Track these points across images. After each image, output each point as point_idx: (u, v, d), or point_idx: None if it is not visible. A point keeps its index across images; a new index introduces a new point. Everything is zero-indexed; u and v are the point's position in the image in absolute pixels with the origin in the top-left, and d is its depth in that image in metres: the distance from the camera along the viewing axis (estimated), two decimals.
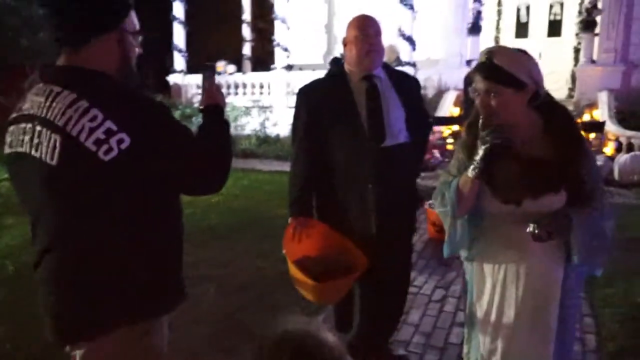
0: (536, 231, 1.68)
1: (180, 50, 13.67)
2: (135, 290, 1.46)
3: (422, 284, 3.92)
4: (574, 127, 1.85)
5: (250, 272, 4.12)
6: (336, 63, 2.64)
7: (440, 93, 10.38)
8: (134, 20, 1.54)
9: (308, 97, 2.57)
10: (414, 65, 10.64)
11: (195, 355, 2.91)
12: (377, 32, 2.46)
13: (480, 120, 1.78)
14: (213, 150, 1.55)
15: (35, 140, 1.40)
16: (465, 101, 7.63)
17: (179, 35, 13.62)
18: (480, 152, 1.76)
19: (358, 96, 2.46)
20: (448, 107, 9.81)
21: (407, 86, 2.60)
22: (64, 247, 1.45)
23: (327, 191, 2.50)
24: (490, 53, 1.73)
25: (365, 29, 2.42)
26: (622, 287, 3.69)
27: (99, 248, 1.42)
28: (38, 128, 1.40)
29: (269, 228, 5.28)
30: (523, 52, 1.77)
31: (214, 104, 1.66)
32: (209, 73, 1.70)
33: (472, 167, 1.79)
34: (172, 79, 13.80)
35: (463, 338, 2.14)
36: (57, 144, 1.37)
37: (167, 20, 13.49)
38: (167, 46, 13.84)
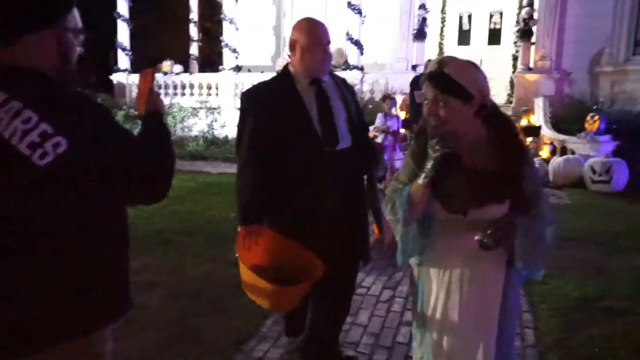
0: (484, 240, 1.73)
1: (124, 49, 13.26)
2: (83, 301, 1.40)
3: (370, 285, 3.99)
4: (517, 139, 1.90)
5: (199, 277, 4.04)
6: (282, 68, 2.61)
7: (386, 96, 10.59)
8: (76, 17, 1.46)
9: (255, 101, 2.50)
10: (361, 69, 10.81)
11: None
12: (329, 39, 2.47)
13: (429, 129, 1.81)
14: (155, 158, 1.49)
15: None
16: (411, 104, 7.83)
17: (123, 33, 13.20)
18: (431, 160, 1.78)
19: (307, 100, 2.44)
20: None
21: (347, 91, 2.62)
22: (3, 259, 1.38)
23: (278, 197, 2.45)
24: (441, 62, 1.76)
25: (320, 37, 2.41)
26: (557, 284, 3.89)
27: (41, 258, 1.35)
28: None
29: (217, 231, 5.22)
30: (472, 64, 1.81)
31: (153, 110, 1.60)
32: (145, 76, 1.63)
33: (423, 175, 1.81)
34: (116, 78, 13.36)
35: (410, 337, 2.19)
36: None
37: (111, 17, 13.05)
38: (111, 44, 13.39)
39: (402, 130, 7.19)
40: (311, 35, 2.40)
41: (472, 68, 1.79)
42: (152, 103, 1.60)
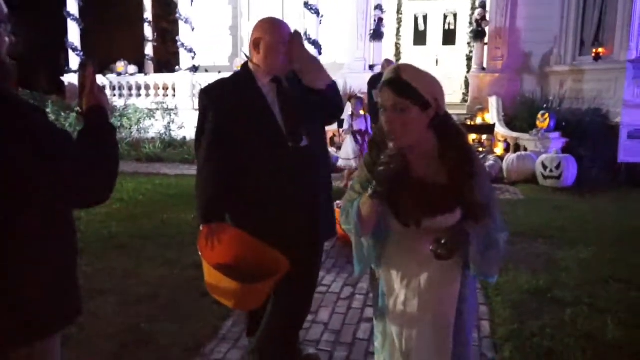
0: (438, 251, 1.76)
1: (75, 49, 12.83)
2: (28, 309, 1.36)
3: (331, 283, 4.00)
4: (467, 149, 1.90)
5: (154, 282, 3.95)
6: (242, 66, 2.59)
7: (345, 96, 10.66)
8: (1, 6, 1.39)
9: (215, 98, 2.47)
10: None
11: None
12: (288, 38, 2.45)
13: (381, 138, 1.82)
14: (97, 157, 1.43)
15: None
16: (369, 104, 7.90)
17: (74, 33, 12.78)
18: (377, 175, 1.77)
19: (269, 97, 2.43)
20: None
21: (297, 81, 2.57)
22: None
23: (240, 195, 2.43)
24: (398, 70, 1.76)
25: (284, 37, 2.40)
26: (511, 276, 4.01)
27: None
28: None
29: (174, 234, 5.12)
30: (428, 72, 1.82)
31: (96, 105, 1.53)
32: (86, 70, 1.54)
33: (370, 188, 1.81)
34: (67, 78, 12.91)
35: (371, 333, 2.20)
36: None
37: (61, 16, 12.61)
38: (61, 44, 12.94)
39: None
40: (275, 34, 2.39)
41: (428, 75, 1.80)
42: (93, 97, 1.53)
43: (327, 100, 2.51)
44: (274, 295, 2.58)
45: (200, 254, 2.28)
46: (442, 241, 1.76)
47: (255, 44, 2.43)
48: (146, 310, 3.45)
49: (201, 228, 2.38)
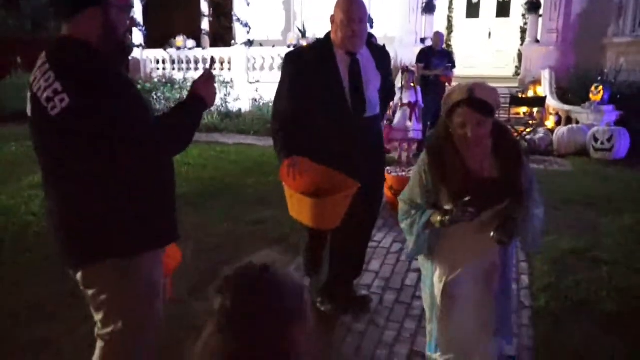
0: (501, 238, 2.08)
1: (137, 24, 13.49)
2: (123, 228, 1.74)
3: (382, 239, 4.36)
4: (517, 147, 2.26)
5: (222, 234, 4.43)
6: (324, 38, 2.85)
7: (396, 69, 10.81)
8: None
9: (294, 62, 2.79)
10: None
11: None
12: (362, 17, 2.66)
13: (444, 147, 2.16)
14: (176, 129, 1.77)
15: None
16: (419, 77, 8.06)
17: (137, 9, 13.42)
18: (455, 216, 2.07)
19: (342, 69, 2.71)
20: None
21: (383, 60, 2.92)
22: (50, 192, 1.78)
23: (306, 146, 2.73)
24: (473, 90, 2.06)
25: (351, 14, 2.62)
26: (553, 238, 4.23)
27: (76, 192, 1.71)
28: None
29: (237, 195, 5.61)
30: (493, 88, 2.16)
31: (198, 95, 1.85)
32: (211, 66, 1.95)
33: (441, 218, 2.12)
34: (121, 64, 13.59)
35: (418, 280, 2.51)
36: (29, 100, 1.70)
37: None
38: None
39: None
40: (342, 10, 2.66)
41: (494, 89, 2.14)
42: (201, 88, 1.86)
43: (388, 86, 2.90)
44: (332, 241, 2.98)
45: (283, 183, 2.66)
46: (501, 229, 2.09)
47: (331, 19, 2.74)
48: (218, 257, 3.92)
49: (284, 162, 2.69)
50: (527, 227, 2.19)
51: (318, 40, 2.92)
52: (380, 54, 2.93)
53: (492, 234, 2.11)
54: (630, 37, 9.52)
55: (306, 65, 2.75)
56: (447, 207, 2.14)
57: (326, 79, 2.71)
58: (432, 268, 2.37)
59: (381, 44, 8.78)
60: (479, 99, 2.06)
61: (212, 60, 2.06)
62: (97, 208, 1.73)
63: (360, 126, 2.76)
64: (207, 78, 1.90)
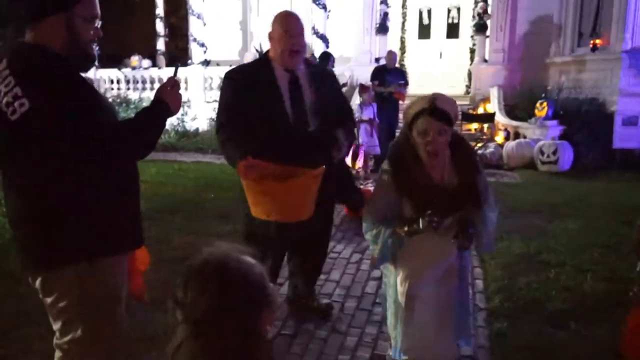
0: (462, 242, 2.23)
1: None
2: (83, 233, 1.73)
3: (341, 250, 4.44)
4: (474, 155, 2.43)
5: (183, 247, 4.39)
6: (262, 53, 2.89)
7: (352, 88, 11.06)
8: (91, 6, 1.78)
9: (232, 78, 2.76)
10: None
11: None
12: (301, 31, 2.66)
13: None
14: (131, 136, 1.76)
15: None
16: (375, 94, 8.27)
17: None
18: (421, 227, 2.22)
19: (282, 83, 2.68)
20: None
21: (325, 81, 2.85)
22: (9, 197, 1.77)
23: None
24: (434, 100, 2.19)
25: (290, 28, 2.62)
26: (504, 244, 4.43)
27: (35, 197, 1.71)
28: None
29: (197, 210, 5.58)
30: (451, 98, 2.32)
31: (163, 100, 1.85)
32: (175, 72, 1.94)
33: (406, 229, 2.26)
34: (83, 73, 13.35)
35: (378, 287, 2.59)
36: None
37: None
38: None
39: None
40: (281, 25, 2.67)
41: (452, 100, 2.30)
42: (165, 94, 1.86)
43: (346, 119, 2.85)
44: (294, 255, 3.05)
45: (243, 183, 2.55)
46: (461, 234, 2.23)
47: (269, 36, 2.74)
48: (178, 269, 3.88)
49: (239, 166, 2.55)
50: (483, 230, 2.33)
51: (257, 59, 2.90)
52: (322, 76, 2.87)
53: (452, 240, 2.24)
54: (570, 56, 10.11)
55: (245, 82, 2.72)
56: (412, 217, 2.25)
57: (265, 94, 2.67)
58: (395, 274, 2.46)
59: (335, 64, 8.91)
60: (440, 108, 2.18)
61: (177, 66, 2.06)
62: (57, 213, 1.72)
63: (305, 140, 2.66)
64: (172, 85, 1.90)
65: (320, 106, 2.73)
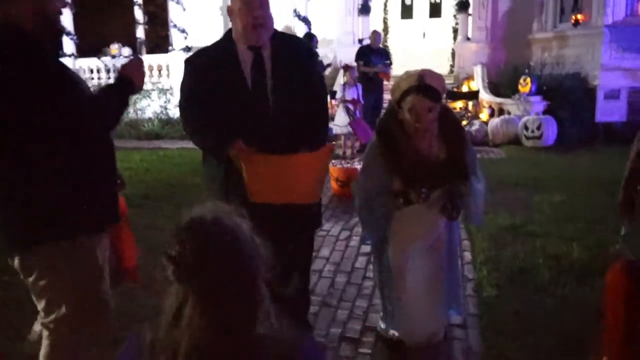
0: (450, 213, 2.27)
1: (68, 33, 13.01)
2: (61, 210, 1.73)
3: (330, 228, 4.45)
4: (461, 128, 2.44)
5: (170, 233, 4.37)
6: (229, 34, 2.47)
7: (335, 70, 11.01)
8: None
9: (191, 63, 2.45)
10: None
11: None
12: (263, 2, 2.31)
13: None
14: (95, 110, 1.77)
15: None
16: (359, 74, 8.24)
17: (67, 18, 12.95)
18: (413, 199, 2.29)
19: (244, 65, 2.37)
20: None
21: (298, 59, 2.46)
22: None
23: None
24: (423, 77, 2.19)
25: (250, 0, 2.28)
26: (491, 217, 4.45)
27: (11, 175, 1.69)
28: None
29: (183, 196, 5.53)
30: (439, 74, 2.31)
31: (127, 77, 1.85)
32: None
33: (401, 201, 2.31)
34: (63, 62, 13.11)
35: (367, 262, 2.61)
36: None
37: None
38: None
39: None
40: (241, 0, 2.30)
41: (440, 76, 2.29)
42: (129, 71, 1.87)
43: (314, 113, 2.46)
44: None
45: (242, 164, 2.27)
46: (449, 205, 2.26)
47: (228, 11, 2.39)
48: None
49: (230, 153, 2.30)
50: (471, 201, 2.34)
51: (220, 39, 2.51)
52: (297, 52, 2.49)
53: (441, 211, 2.26)
54: (552, 32, 10.15)
55: (205, 66, 2.41)
56: (401, 190, 2.27)
57: (228, 79, 2.36)
58: (387, 247, 2.48)
59: (318, 46, 8.75)
60: (428, 85, 2.18)
61: (140, 44, 2.05)
62: (34, 190, 1.71)
63: (273, 127, 2.34)
64: (136, 63, 1.92)
65: (283, 88, 2.39)
